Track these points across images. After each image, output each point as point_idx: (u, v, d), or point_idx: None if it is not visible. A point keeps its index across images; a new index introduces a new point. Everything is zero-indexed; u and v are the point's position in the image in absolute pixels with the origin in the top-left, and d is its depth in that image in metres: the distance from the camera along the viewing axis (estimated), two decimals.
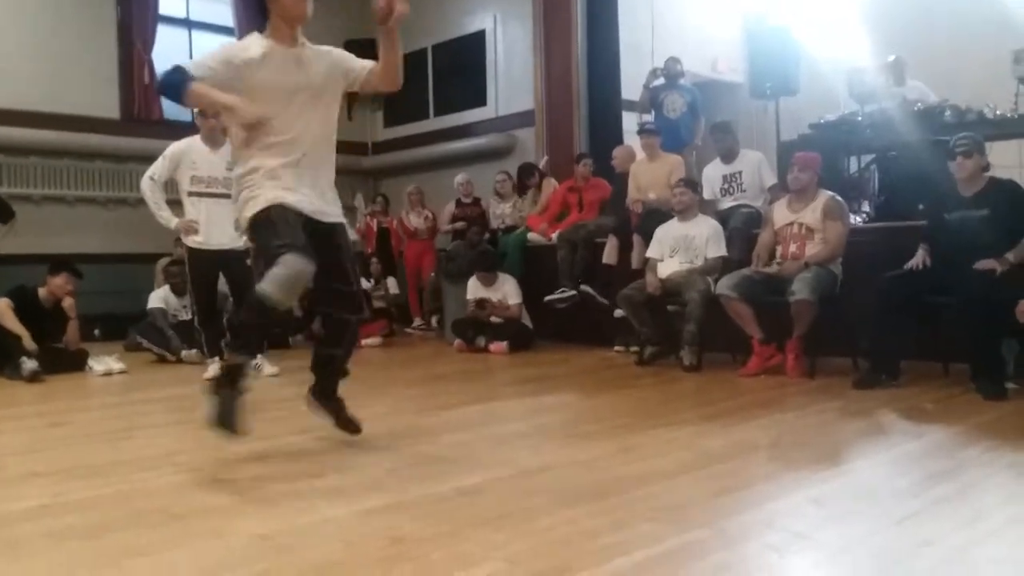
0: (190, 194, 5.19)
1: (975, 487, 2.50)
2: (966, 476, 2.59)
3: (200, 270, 5.25)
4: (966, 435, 3.18)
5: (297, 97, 2.95)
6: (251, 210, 2.86)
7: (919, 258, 4.41)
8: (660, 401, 4.24)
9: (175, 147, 5.24)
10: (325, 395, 3.19)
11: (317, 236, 2.89)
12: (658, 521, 2.18)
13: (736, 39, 9.49)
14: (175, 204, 5.31)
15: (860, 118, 6.53)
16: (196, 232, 5.14)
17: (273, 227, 2.79)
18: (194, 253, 5.21)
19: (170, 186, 5.30)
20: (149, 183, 5.17)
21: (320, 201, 2.98)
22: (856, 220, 5.66)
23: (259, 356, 5.28)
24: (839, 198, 4.88)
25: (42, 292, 5.64)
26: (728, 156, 5.90)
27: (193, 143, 5.23)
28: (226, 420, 2.75)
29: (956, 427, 3.31)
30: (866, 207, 6.25)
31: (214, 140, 5.15)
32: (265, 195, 2.85)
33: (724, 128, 6.01)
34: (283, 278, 2.67)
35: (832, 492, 2.47)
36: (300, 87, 2.96)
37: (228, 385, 2.77)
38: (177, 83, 2.77)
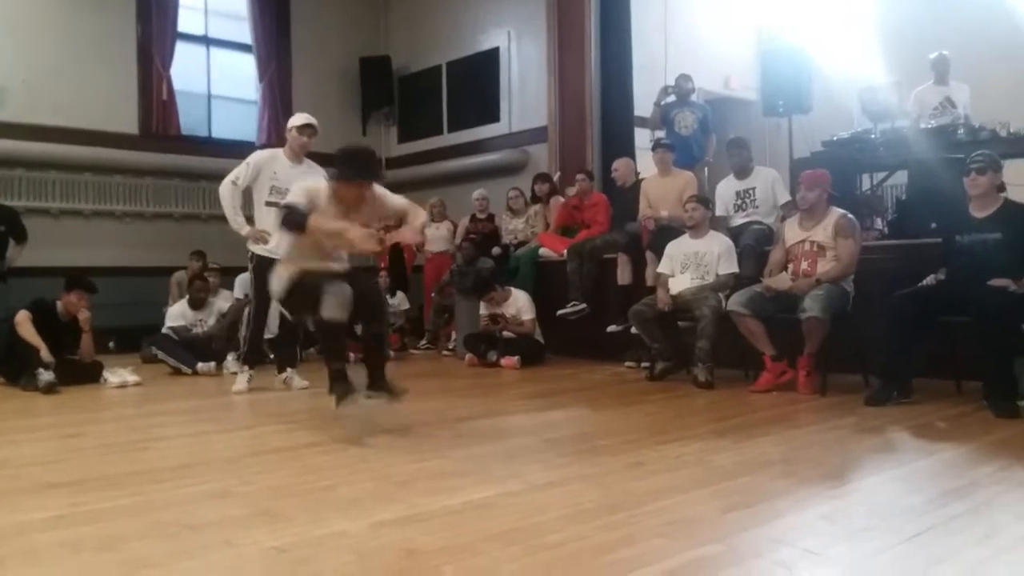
0: (267, 203, 5.15)
1: (987, 505, 2.50)
2: (978, 494, 2.59)
3: (265, 278, 5.29)
4: (978, 453, 3.18)
5: None
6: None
7: (932, 276, 4.42)
8: (671, 417, 4.25)
9: (260, 155, 5.29)
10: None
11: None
12: (668, 537, 2.19)
13: (748, 56, 9.54)
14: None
15: (873, 136, 6.54)
16: (266, 242, 5.13)
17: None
18: (262, 261, 5.19)
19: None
20: (231, 187, 5.15)
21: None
22: (869, 237, 5.66)
23: (289, 370, 5.36)
24: (850, 216, 4.88)
25: (59, 305, 5.71)
26: (742, 172, 5.92)
27: (277, 154, 5.27)
28: (348, 393, 3.68)
29: (968, 445, 3.30)
30: (879, 224, 6.25)
31: (298, 157, 5.22)
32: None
33: (739, 144, 6.01)
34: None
35: (843, 509, 2.47)
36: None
37: (340, 380, 3.73)
38: (300, 221, 3.71)
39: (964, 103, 6.65)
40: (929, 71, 6.85)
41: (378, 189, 4.03)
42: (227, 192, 5.18)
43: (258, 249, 5.20)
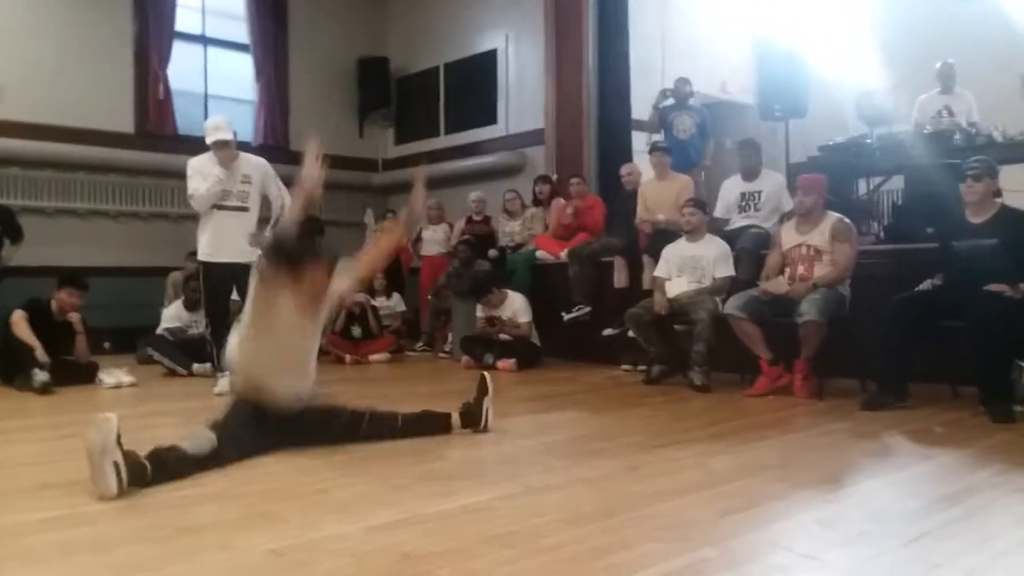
0: (215, 207, 5.23)
1: (984, 510, 2.50)
2: (975, 499, 2.59)
3: (211, 283, 5.30)
4: (975, 458, 3.19)
5: None
6: None
7: (929, 281, 4.42)
8: (668, 420, 4.24)
9: (196, 161, 5.31)
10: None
11: None
12: (665, 540, 2.19)
13: (746, 60, 9.53)
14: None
15: (869, 140, 6.55)
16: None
17: None
18: (206, 267, 5.28)
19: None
20: (205, 198, 5.19)
21: None
22: (865, 242, 5.66)
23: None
24: (847, 220, 4.89)
25: (54, 305, 5.69)
26: (750, 174, 5.91)
27: (209, 157, 5.28)
28: None
29: (965, 450, 3.31)
30: (875, 229, 6.25)
31: (227, 165, 5.25)
32: None
33: (750, 145, 6.01)
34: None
35: (840, 513, 2.47)
36: None
37: None
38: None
39: (966, 112, 6.64)
40: (933, 79, 6.86)
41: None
42: (202, 201, 5.21)
43: (202, 255, 5.29)
